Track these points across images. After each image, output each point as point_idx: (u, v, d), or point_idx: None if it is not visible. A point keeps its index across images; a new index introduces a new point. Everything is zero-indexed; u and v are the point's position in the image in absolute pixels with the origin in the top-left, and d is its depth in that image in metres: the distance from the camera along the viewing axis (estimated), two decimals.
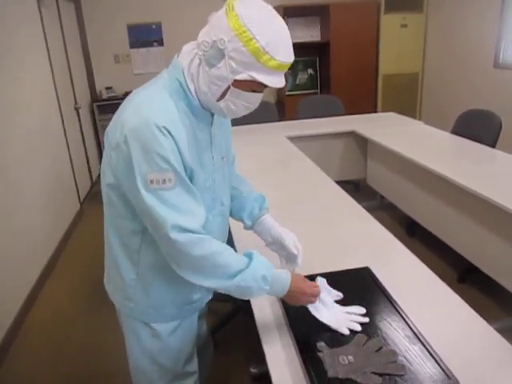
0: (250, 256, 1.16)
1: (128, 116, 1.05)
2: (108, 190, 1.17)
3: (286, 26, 1.05)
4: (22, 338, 2.58)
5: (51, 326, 2.67)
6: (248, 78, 1.02)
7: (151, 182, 1.03)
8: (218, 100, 1.08)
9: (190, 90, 1.10)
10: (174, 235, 1.04)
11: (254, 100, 1.11)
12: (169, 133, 1.02)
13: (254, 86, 1.06)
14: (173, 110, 1.07)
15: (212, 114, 1.19)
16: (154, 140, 1.01)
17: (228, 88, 1.05)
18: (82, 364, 2.34)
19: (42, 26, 3.69)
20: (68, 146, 4.09)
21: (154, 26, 5.41)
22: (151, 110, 1.04)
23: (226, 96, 1.07)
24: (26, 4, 3.43)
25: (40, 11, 3.65)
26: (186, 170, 1.08)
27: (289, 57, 1.04)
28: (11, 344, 2.50)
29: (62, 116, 3.99)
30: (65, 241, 3.66)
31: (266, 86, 1.07)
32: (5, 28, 2.97)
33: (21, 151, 3.00)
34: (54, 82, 3.87)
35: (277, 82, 1.06)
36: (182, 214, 1.05)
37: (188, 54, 1.11)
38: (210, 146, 1.21)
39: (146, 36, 5.41)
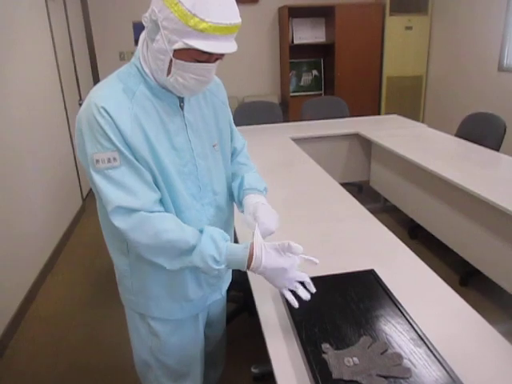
0: (201, 232, 1.14)
1: (82, 105, 1.09)
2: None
3: None
4: (22, 332, 2.58)
5: (52, 320, 2.67)
6: (184, 47, 0.98)
7: (97, 161, 1.04)
8: (168, 75, 1.06)
9: (145, 72, 1.10)
10: (115, 219, 1.06)
11: (202, 71, 1.05)
12: (107, 113, 1.02)
13: (195, 55, 1.00)
14: (117, 93, 1.07)
15: (180, 98, 1.17)
16: (95, 121, 1.02)
17: (171, 61, 1.03)
18: (83, 359, 2.35)
19: (49, 20, 3.69)
20: (72, 140, 4.10)
21: None
22: (95, 94, 1.07)
23: (172, 70, 1.04)
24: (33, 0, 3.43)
25: (47, 5, 3.66)
26: (133, 151, 1.07)
27: (226, 17, 0.96)
28: (11, 338, 2.51)
29: (66, 110, 4.00)
30: (66, 237, 3.67)
31: (209, 54, 1.00)
32: (11, 21, 2.97)
33: (24, 146, 3.01)
34: (60, 77, 3.87)
35: (217, 46, 0.98)
36: (127, 193, 1.05)
37: (142, 37, 1.12)
38: (185, 129, 1.18)
39: None
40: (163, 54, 1.02)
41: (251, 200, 1.30)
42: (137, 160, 1.07)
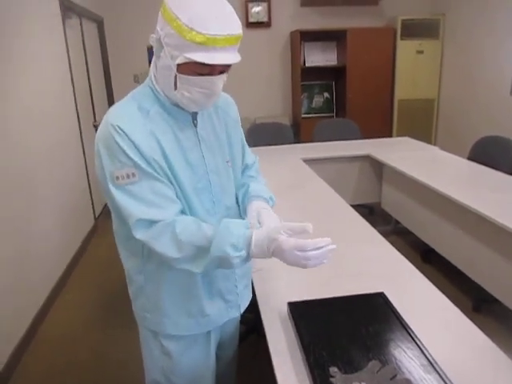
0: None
1: (99, 126, 1.13)
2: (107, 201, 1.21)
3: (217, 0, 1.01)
4: (31, 352, 2.57)
5: (61, 340, 2.67)
6: (185, 60, 1.00)
7: (117, 178, 1.07)
8: (175, 90, 1.09)
9: (157, 91, 1.14)
10: (137, 232, 1.08)
11: (206, 84, 1.07)
12: (122, 130, 1.05)
13: (196, 68, 1.03)
14: (132, 111, 1.10)
15: (194, 115, 1.19)
16: (112, 139, 1.06)
17: (176, 76, 1.05)
18: (92, 380, 2.33)
19: (66, 43, 3.80)
20: (86, 161, 4.15)
21: None
22: (110, 114, 1.11)
23: (178, 85, 1.07)
24: (52, 25, 3.55)
25: (65, 31, 3.77)
26: (153, 166, 1.08)
27: (223, 29, 0.98)
28: (20, 359, 2.49)
29: (80, 132, 4.06)
30: (78, 256, 3.68)
31: (211, 66, 1.02)
32: (29, 44, 3.06)
33: (39, 166, 3.06)
34: (75, 99, 3.95)
35: (216, 58, 1.00)
36: (148, 206, 1.08)
37: (153, 58, 1.15)
38: (199, 145, 1.20)
39: None
40: (168, 70, 1.06)
41: (254, 206, 1.29)
42: (158, 173, 1.10)
